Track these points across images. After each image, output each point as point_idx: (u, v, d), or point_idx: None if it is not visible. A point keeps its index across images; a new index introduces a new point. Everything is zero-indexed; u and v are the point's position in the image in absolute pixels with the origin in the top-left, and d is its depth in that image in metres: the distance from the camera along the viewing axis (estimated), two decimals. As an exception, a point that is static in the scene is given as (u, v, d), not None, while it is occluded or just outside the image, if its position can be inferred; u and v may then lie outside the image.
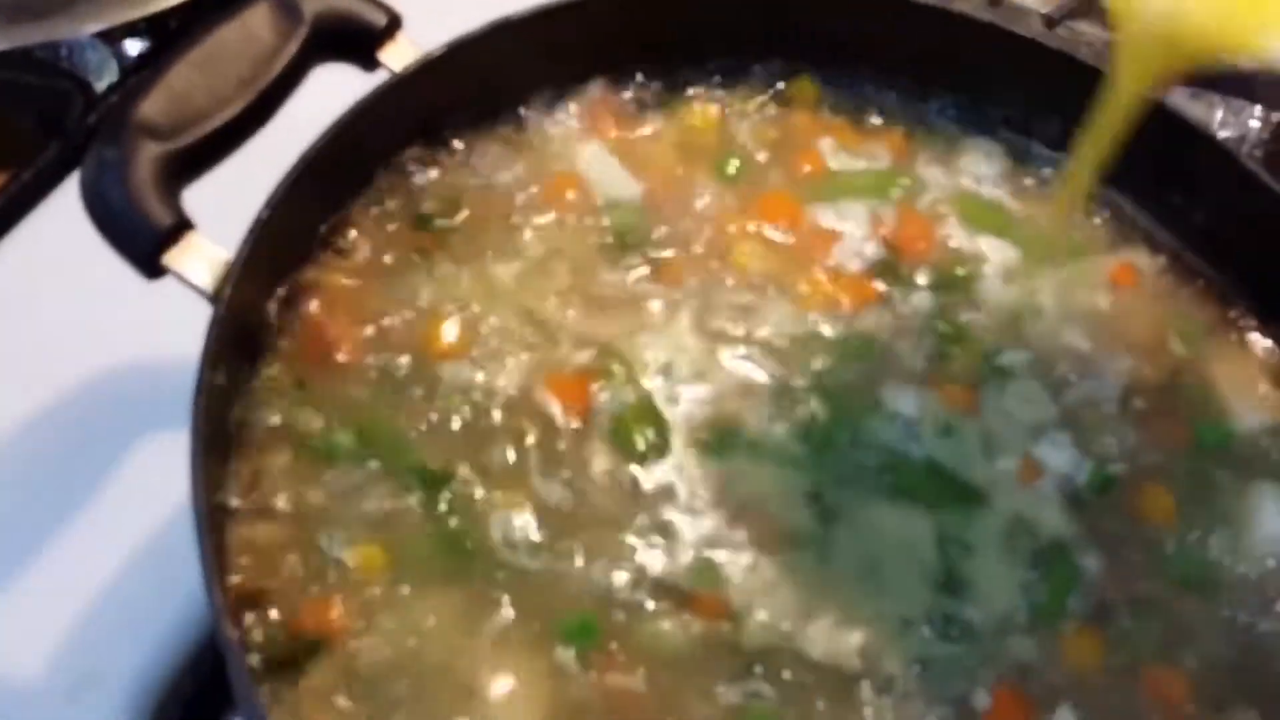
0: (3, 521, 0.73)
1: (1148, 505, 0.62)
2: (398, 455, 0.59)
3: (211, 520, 0.52)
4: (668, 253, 0.67)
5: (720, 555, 0.57)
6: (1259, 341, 0.68)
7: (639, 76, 0.73)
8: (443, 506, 0.57)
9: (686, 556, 0.57)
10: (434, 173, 0.69)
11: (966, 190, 0.72)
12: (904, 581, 0.58)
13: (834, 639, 0.56)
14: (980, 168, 0.72)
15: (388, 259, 0.66)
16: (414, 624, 0.54)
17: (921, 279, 0.67)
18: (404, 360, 0.62)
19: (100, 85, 0.92)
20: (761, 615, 0.56)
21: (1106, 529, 0.60)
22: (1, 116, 0.92)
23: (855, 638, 0.56)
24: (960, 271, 0.68)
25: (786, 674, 0.55)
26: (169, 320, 0.77)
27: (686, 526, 0.58)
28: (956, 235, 0.69)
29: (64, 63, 0.93)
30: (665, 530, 0.58)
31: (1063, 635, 0.57)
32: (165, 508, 0.73)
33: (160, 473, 0.74)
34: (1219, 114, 0.94)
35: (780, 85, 0.74)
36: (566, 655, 0.54)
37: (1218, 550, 0.61)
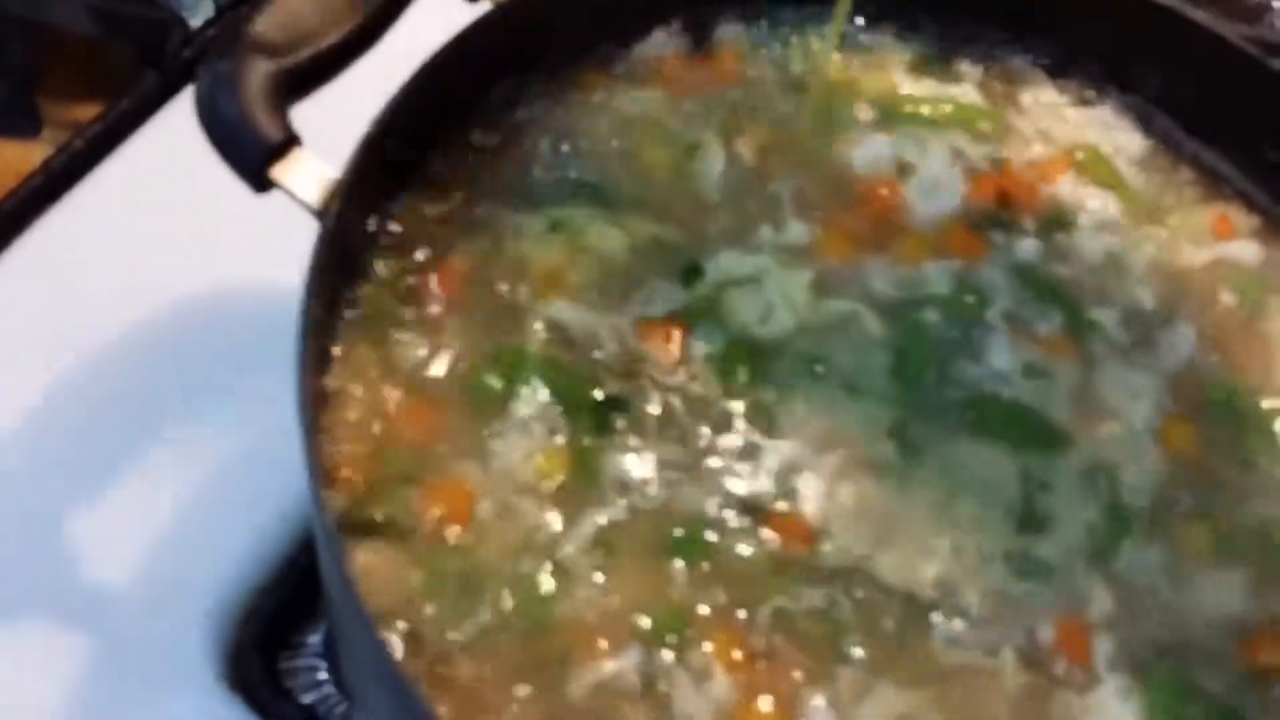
0: (98, 434, 0.75)
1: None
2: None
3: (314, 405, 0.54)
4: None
5: (804, 480, 0.58)
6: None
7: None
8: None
9: (771, 479, 0.58)
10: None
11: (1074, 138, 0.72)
12: (983, 517, 0.58)
13: (909, 567, 0.57)
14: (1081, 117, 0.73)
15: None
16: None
17: (1028, 224, 0.68)
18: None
19: (195, 21, 0.94)
20: (840, 540, 0.57)
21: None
22: (100, 45, 0.94)
23: (931, 568, 0.57)
24: (1064, 217, 0.69)
25: (859, 593, 0.56)
26: (262, 250, 0.80)
27: (773, 452, 0.59)
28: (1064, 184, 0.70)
29: (160, -2, 0.95)
30: (753, 454, 0.59)
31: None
32: (256, 429, 0.75)
33: (253, 395, 0.76)
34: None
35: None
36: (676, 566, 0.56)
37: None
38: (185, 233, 0.82)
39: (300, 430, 0.53)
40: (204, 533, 0.72)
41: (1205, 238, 0.69)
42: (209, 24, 0.93)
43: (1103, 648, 0.56)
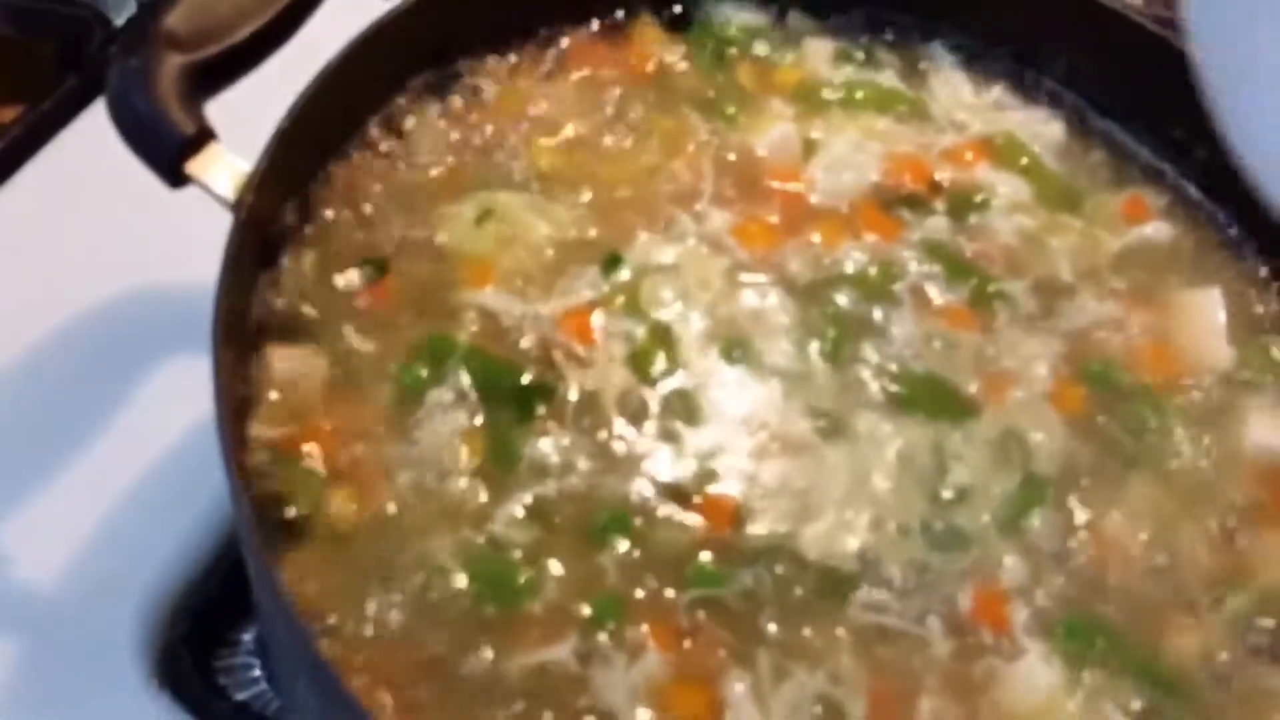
0: (26, 435, 0.74)
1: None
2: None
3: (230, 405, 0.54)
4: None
5: (724, 462, 0.59)
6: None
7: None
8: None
9: (693, 463, 0.59)
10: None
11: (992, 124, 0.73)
12: (901, 489, 0.59)
13: (832, 542, 0.57)
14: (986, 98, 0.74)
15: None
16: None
17: (940, 206, 0.69)
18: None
19: (119, 20, 0.93)
20: (763, 519, 0.58)
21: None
22: (21, 46, 0.93)
23: (854, 541, 0.58)
24: (976, 199, 0.70)
25: (784, 570, 0.56)
26: (186, 250, 0.79)
27: (693, 436, 0.60)
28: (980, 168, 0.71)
29: (82, -4, 0.94)
30: (673, 437, 0.59)
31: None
32: (182, 424, 0.74)
33: (177, 390, 0.76)
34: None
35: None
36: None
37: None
38: (107, 234, 0.82)
39: (216, 425, 0.53)
40: (130, 531, 0.72)
41: (1118, 222, 0.71)
42: (131, 23, 0.92)
43: (1020, 614, 0.57)
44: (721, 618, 0.56)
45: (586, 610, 0.55)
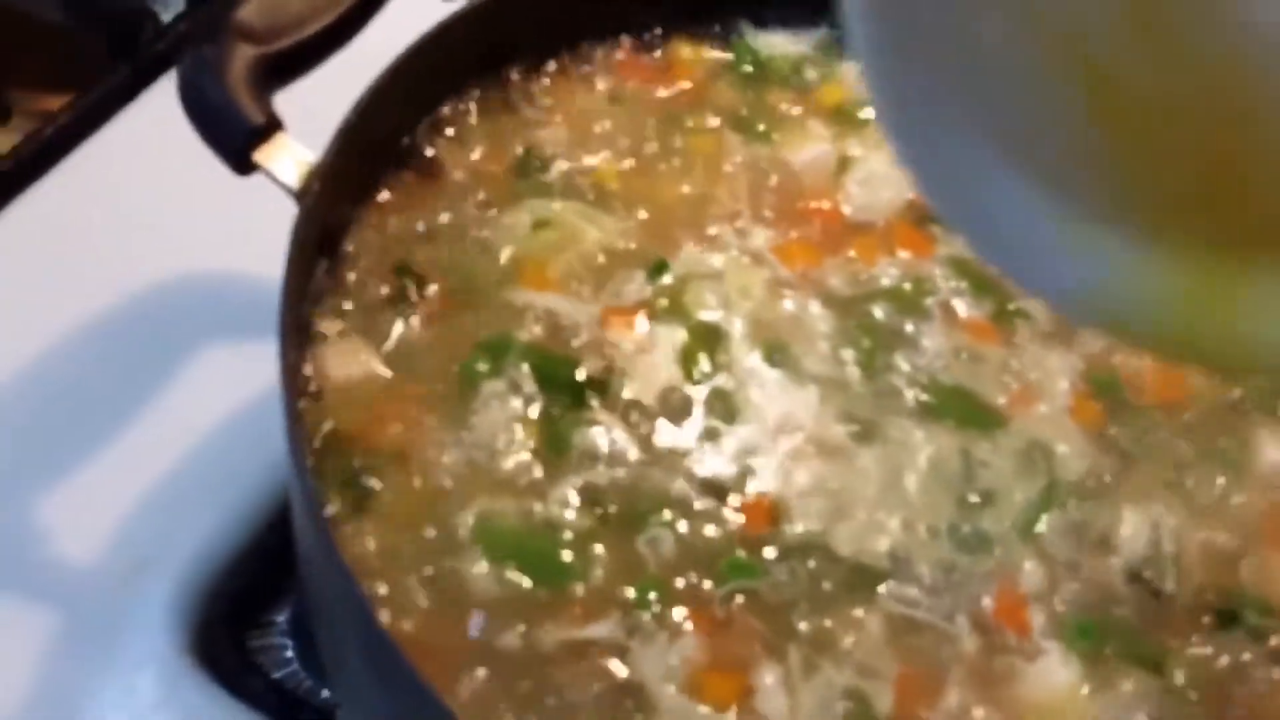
0: (71, 410, 0.76)
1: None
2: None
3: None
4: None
5: (762, 461, 0.61)
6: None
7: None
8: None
9: (733, 461, 0.61)
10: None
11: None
12: (930, 493, 0.62)
13: (864, 540, 0.60)
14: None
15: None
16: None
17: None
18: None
19: (167, 16, 0.96)
20: (798, 518, 0.60)
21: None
22: (71, 35, 0.95)
23: (884, 542, 0.60)
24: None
25: (817, 566, 0.59)
26: (227, 239, 0.82)
27: (732, 435, 0.62)
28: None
29: (131, -11, 0.96)
30: (714, 435, 0.62)
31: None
32: (226, 407, 0.76)
33: (219, 375, 0.78)
34: None
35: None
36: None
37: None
38: (154, 220, 0.84)
39: (282, 401, 0.55)
40: (174, 510, 0.74)
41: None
42: (180, 18, 0.94)
43: (1038, 616, 0.59)
44: (756, 608, 0.58)
45: (630, 593, 0.57)
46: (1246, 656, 0.60)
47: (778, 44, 0.79)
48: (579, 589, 0.57)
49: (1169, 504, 0.64)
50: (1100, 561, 0.62)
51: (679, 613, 0.57)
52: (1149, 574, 0.62)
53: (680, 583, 0.58)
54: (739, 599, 0.58)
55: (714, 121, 0.75)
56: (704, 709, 0.55)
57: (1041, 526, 0.62)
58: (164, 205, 0.84)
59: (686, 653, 0.56)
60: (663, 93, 0.76)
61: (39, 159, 0.86)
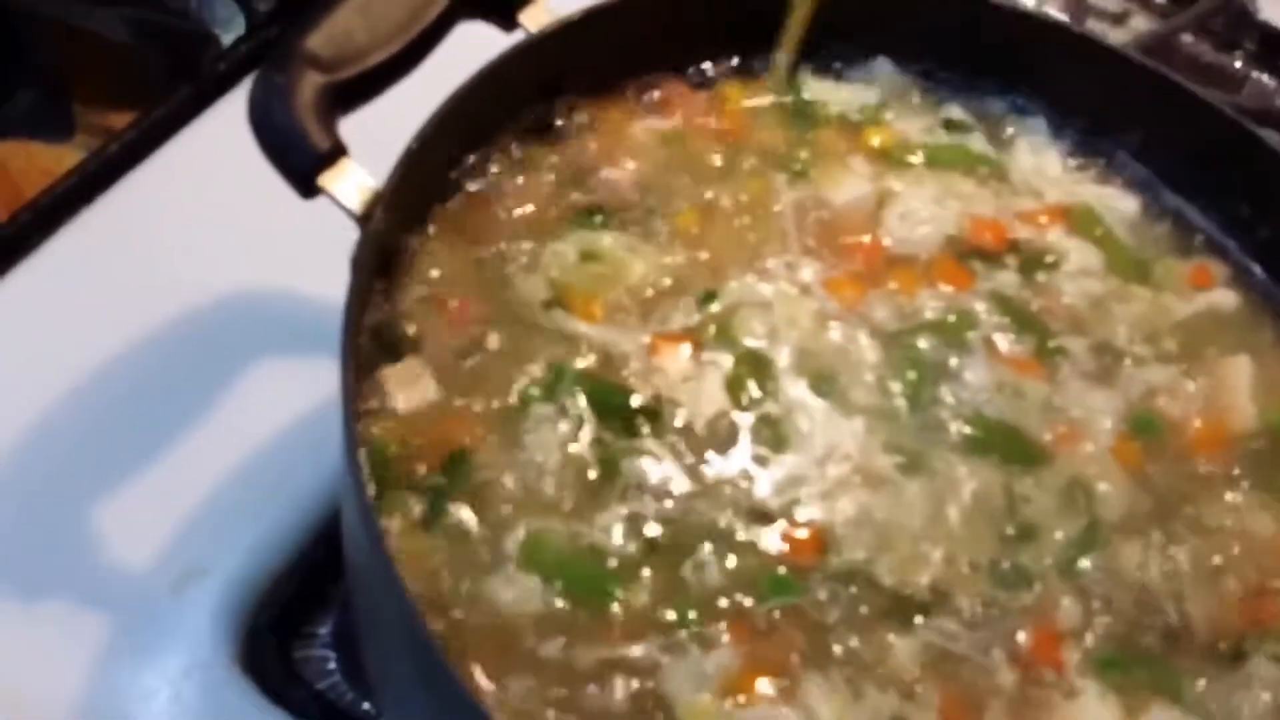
0: (128, 420, 0.78)
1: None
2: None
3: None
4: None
5: (809, 491, 0.62)
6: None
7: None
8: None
9: (780, 490, 0.62)
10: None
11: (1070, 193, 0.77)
12: (973, 527, 0.62)
13: (907, 572, 0.61)
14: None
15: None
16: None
17: (1010, 260, 0.73)
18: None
19: (227, 39, 0.98)
20: (843, 547, 0.61)
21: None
22: (135, 55, 0.98)
23: (927, 574, 0.61)
24: (1046, 259, 0.74)
25: (860, 594, 0.60)
26: (285, 258, 0.84)
27: (779, 463, 0.63)
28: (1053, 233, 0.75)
29: (193, 12, 0.99)
30: (761, 463, 0.63)
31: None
32: (278, 422, 0.78)
33: (273, 391, 0.80)
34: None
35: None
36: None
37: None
38: (212, 235, 0.86)
39: (342, 419, 0.56)
40: (224, 521, 0.75)
41: (1185, 288, 0.74)
42: (240, 41, 0.97)
43: (1074, 654, 0.60)
44: (797, 621, 0.59)
45: (670, 615, 0.58)
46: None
47: (828, 89, 0.80)
48: (619, 610, 0.58)
49: (1203, 543, 0.65)
50: (1130, 597, 0.62)
51: (718, 628, 0.58)
52: (1176, 610, 0.62)
53: (723, 602, 0.59)
54: (777, 614, 0.59)
55: (760, 159, 0.77)
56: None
57: (1084, 563, 0.62)
58: (222, 221, 0.86)
59: (723, 660, 0.57)
60: (712, 129, 0.78)
61: (103, 174, 0.89)
